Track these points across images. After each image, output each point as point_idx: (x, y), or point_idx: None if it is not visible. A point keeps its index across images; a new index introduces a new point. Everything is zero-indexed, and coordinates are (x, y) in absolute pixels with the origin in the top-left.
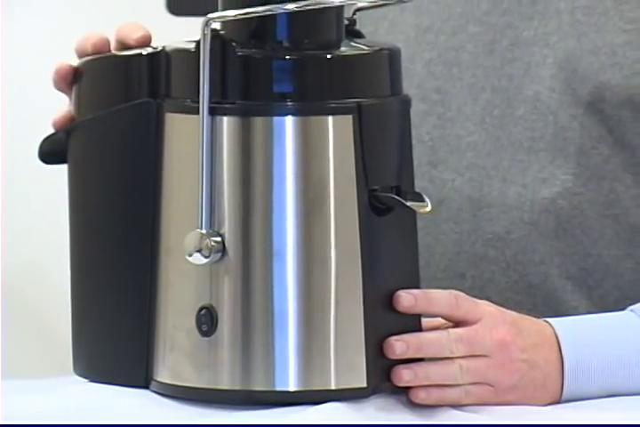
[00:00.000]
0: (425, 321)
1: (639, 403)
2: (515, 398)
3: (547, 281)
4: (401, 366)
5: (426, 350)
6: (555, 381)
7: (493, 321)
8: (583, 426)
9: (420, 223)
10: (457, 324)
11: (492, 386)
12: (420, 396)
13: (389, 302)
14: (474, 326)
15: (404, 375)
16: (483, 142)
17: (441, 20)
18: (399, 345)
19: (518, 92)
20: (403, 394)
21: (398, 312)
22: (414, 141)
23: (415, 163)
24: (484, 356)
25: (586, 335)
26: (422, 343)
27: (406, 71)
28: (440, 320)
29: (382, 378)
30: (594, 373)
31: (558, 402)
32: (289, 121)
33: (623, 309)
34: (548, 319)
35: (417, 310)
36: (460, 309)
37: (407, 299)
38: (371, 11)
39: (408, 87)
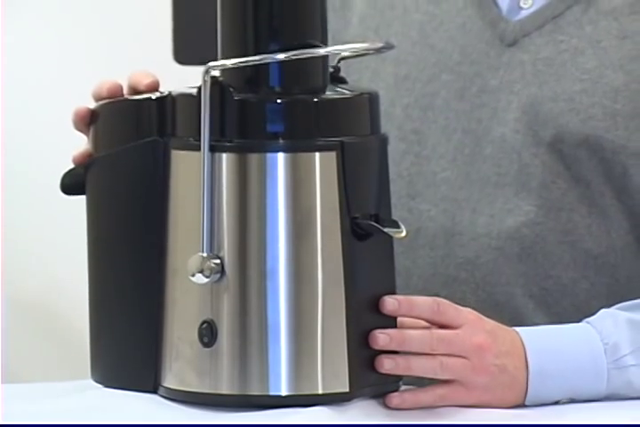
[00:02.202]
0: (413, 322)
1: (598, 406)
2: (486, 399)
3: (512, 300)
4: (384, 355)
5: (408, 345)
6: (521, 384)
7: (474, 328)
8: (583, 426)
9: (399, 249)
10: (440, 327)
11: (465, 387)
12: (395, 402)
13: (370, 316)
14: (456, 331)
15: (385, 364)
16: (455, 177)
17: (417, 69)
18: (382, 337)
19: (486, 133)
20: (381, 398)
21: (379, 324)
22: (395, 177)
23: (395, 195)
24: (462, 357)
25: (548, 343)
26: (405, 338)
27: (387, 115)
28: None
29: (363, 384)
30: (555, 378)
31: (523, 404)
32: (280, 157)
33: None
34: (516, 328)
35: (400, 313)
36: (442, 314)
37: (391, 303)
38: (355, 61)
39: (389, 129)
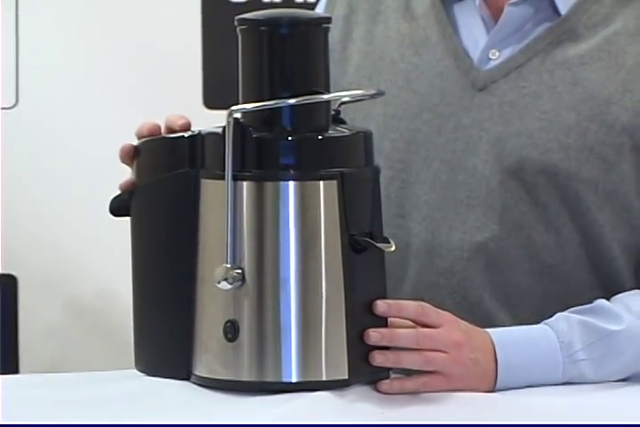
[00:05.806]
0: (402, 322)
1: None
2: (462, 386)
3: (481, 302)
4: (376, 351)
5: (397, 341)
6: (491, 375)
7: (452, 327)
8: (583, 426)
9: (393, 259)
10: (424, 327)
11: (444, 376)
12: (384, 387)
13: (365, 317)
14: (437, 329)
15: (378, 358)
16: (434, 200)
17: (402, 109)
18: (375, 335)
19: (460, 163)
20: (375, 384)
21: (372, 324)
22: (384, 199)
23: (385, 215)
24: (444, 352)
25: (513, 341)
26: (394, 335)
27: (377, 147)
28: (411, 324)
29: (360, 373)
30: (519, 369)
31: (493, 390)
32: (291, 185)
33: (537, 322)
34: (487, 329)
35: (390, 315)
36: (425, 316)
37: (382, 306)
38: (351, 104)
39: (379, 159)
